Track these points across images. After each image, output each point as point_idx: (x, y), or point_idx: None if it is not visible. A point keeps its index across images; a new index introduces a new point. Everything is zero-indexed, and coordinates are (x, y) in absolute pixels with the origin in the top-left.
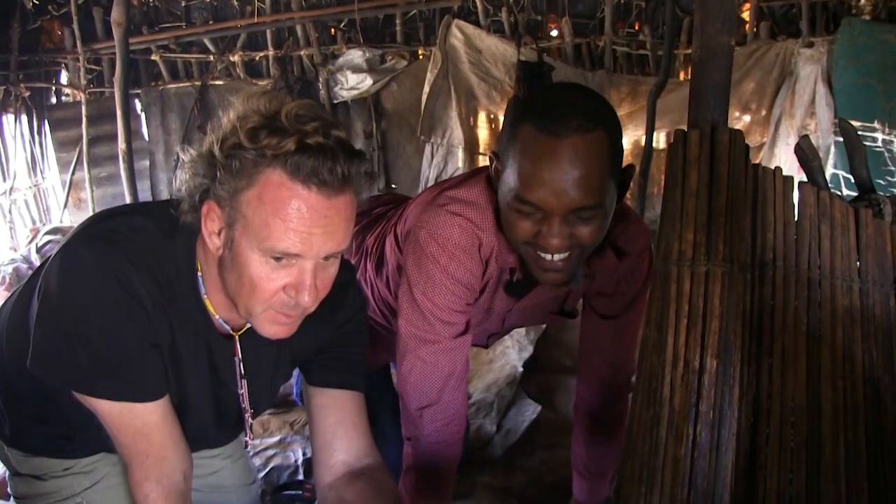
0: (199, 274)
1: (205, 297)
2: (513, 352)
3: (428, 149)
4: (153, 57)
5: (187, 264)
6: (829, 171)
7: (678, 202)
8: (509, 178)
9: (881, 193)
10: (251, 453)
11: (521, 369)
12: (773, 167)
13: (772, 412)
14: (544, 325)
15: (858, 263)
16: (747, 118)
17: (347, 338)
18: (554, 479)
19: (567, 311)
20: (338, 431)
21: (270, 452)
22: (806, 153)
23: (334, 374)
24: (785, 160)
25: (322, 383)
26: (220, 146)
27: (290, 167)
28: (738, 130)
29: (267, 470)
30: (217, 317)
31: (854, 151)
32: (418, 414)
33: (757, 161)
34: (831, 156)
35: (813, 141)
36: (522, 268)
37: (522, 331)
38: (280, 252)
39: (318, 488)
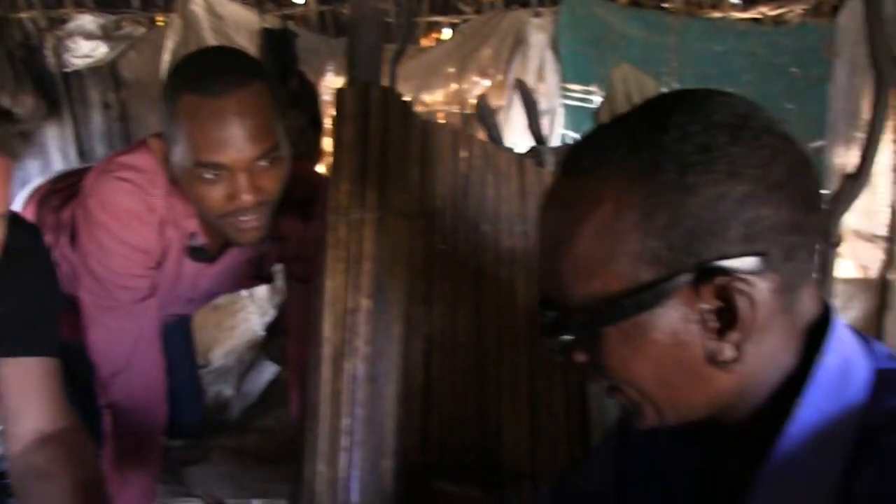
0: None
1: None
2: (255, 317)
3: None
4: None
5: None
6: (560, 130)
7: (335, 156)
8: (183, 151)
9: (546, 146)
10: None
11: (262, 333)
12: (508, 128)
13: (443, 346)
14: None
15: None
16: (487, 83)
17: (33, 304)
18: (286, 435)
19: (264, 276)
20: (28, 398)
21: None
22: (483, 110)
23: (20, 342)
24: (521, 120)
25: (7, 352)
26: None
27: None
28: (392, 88)
29: None
30: None
31: (530, 109)
32: (111, 381)
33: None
34: (561, 117)
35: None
36: (208, 233)
37: (265, 295)
38: None
39: (10, 460)
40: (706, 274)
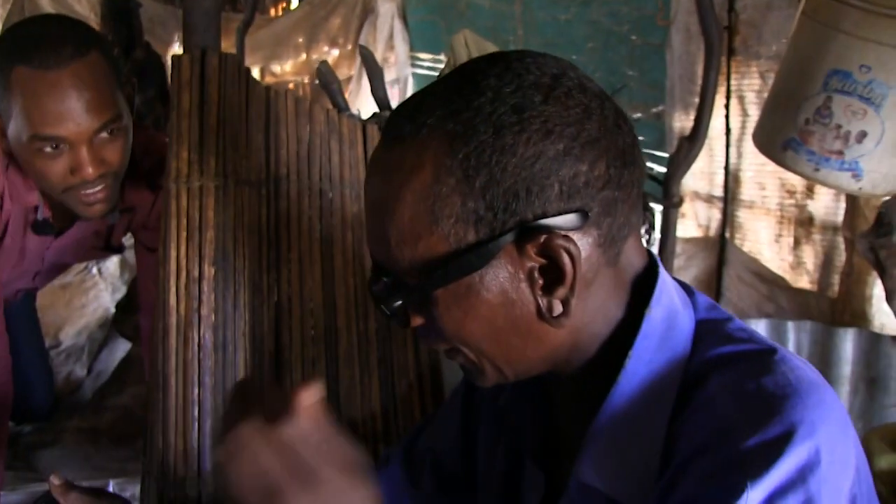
0: None
1: None
2: (106, 294)
3: None
4: None
5: None
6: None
7: (174, 123)
8: (19, 127)
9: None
10: None
11: (113, 310)
12: (359, 97)
13: (292, 312)
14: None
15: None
16: (335, 52)
17: None
18: (142, 413)
19: (114, 247)
20: None
21: None
22: (325, 76)
23: None
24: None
25: None
26: None
27: None
28: (230, 54)
29: None
30: None
31: (373, 75)
32: None
33: (347, 93)
34: (410, 86)
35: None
36: (52, 207)
37: (116, 272)
38: None
39: None
40: (528, 232)
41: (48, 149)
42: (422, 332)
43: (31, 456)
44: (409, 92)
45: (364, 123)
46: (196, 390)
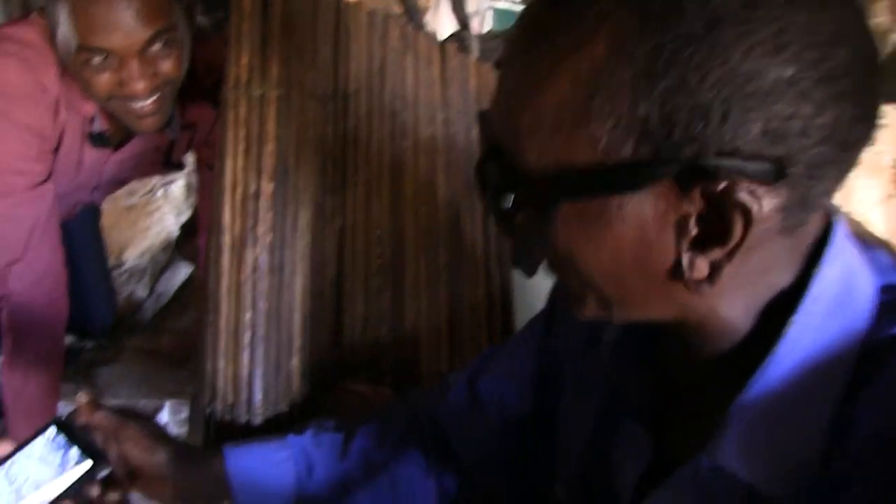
0: None
1: None
2: (170, 217)
3: None
4: None
5: None
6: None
7: (233, 25)
8: (66, 36)
9: (470, 32)
10: None
11: (177, 233)
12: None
13: (356, 240)
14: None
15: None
16: None
17: None
18: None
19: (174, 164)
20: None
21: None
22: None
23: None
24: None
25: None
26: None
27: None
28: None
29: None
30: None
31: None
32: (6, 271)
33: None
34: (489, 19)
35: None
36: (110, 119)
37: (181, 195)
38: None
39: None
40: (702, 170)
41: (96, 60)
42: (523, 240)
43: (91, 372)
44: (487, 26)
45: (443, 43)
46: (248, 314)
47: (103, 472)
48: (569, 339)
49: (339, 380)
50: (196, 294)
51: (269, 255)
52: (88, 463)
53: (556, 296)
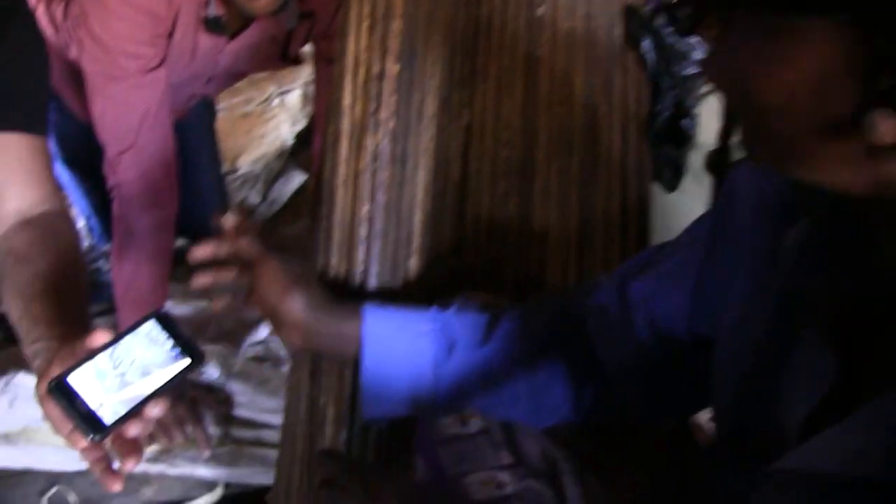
0: None
1: None
2: (286, 125)
3: None
4: None
5: None
6: None
7: None
8: None
9: None
10: None
11: (292, 141)
12: None
13: (485, 138)
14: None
15: None
16: None
17: (16, 73)
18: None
19: (291, 58)
20: (9, 179)
21: None
22: None
23: (1, 114)
24: None
25: None
26: None
27: None
28: None
29: None
30: None
31: None
32: (118, 160)
33: None
34: None
35: None
36: (225, 3)
37: (297, 104)
38: None
39: None
40: None
41: None
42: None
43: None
44: None
45: None
46: (366, 207)
47: (200, 369)
48: (737, 250)
49: (458, 288)
50: (308, 202)
51: (390, 144)
52: (186, 360)
53: (722, 204)
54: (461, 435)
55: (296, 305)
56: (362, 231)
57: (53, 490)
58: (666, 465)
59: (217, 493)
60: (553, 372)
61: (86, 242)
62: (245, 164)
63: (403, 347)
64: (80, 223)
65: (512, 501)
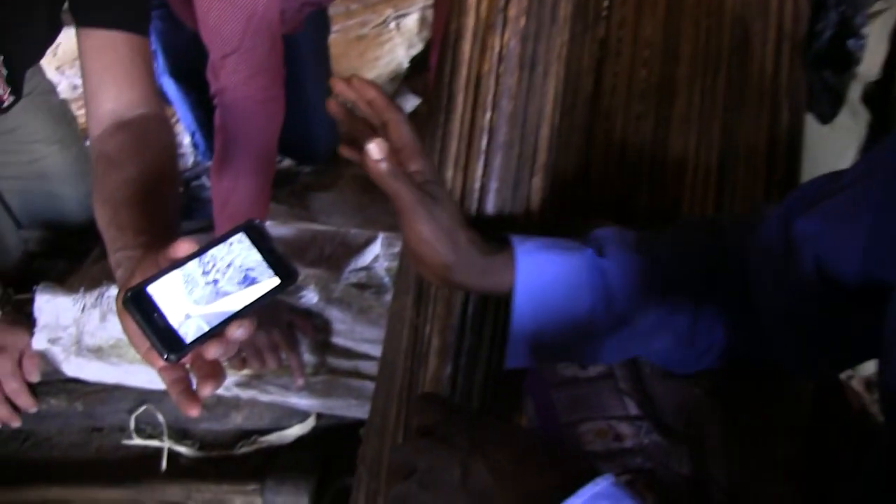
0: None
1: None
2: (401, 49)
3: None
4: None
5: None
6: None
7: None
8: None
9: None
10: None
11: (406, 65)
12: None
13: (621, 54)
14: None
15: None
16: None
17: None
18: None
19: None
20: (105, 78)
21: None
22: None
23: (105, 12)
24: None
25: (89, 22)
26: None
27: None
28: None
29: None
30: None
31: None
32: (221, 64)
33: None
34: None
35: None
36: None
37: (414, 28)
38: None
39: (90, 142)
40: None
41: None
42: None
43: (307, 196)
44: None
45: None
46: (488, 115)
47: (291, 289)
48: None
49: (584, 215)
50: (421, 128)
51: (519, 45)
52: (276, 280)
53: None
54: (579, 378)
55: (443, 249)
56: (483, 142)
57: (142, 408)
58: (821, 435)
59: (309, 423)
60: (708, 317)
61: (190, 159)
62: None
63: (561, 298)
64: (186, 139)
65: (633, 457)
